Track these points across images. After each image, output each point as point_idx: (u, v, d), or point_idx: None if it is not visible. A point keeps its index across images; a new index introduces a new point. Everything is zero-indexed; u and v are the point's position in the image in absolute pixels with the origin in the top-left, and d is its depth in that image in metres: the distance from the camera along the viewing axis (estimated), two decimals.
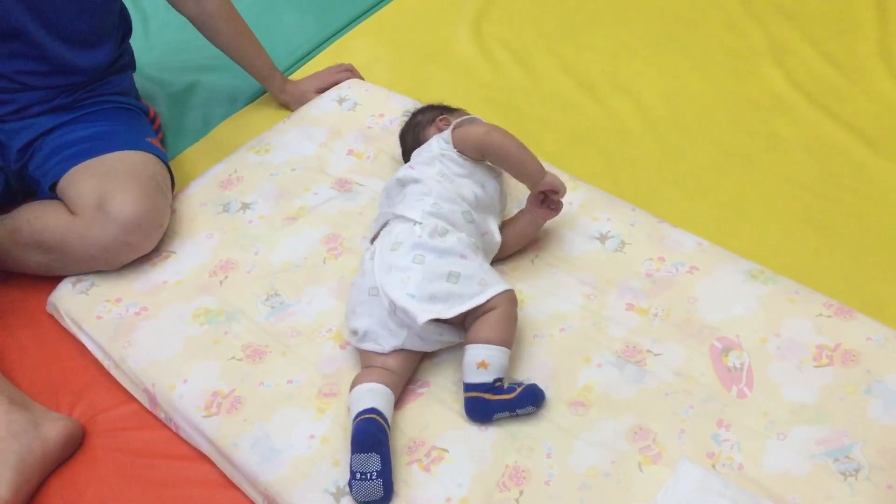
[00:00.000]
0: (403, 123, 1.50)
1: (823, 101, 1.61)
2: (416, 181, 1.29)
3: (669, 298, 1.25)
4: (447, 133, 1.33)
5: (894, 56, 1.67)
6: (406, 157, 1.45)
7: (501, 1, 1.98)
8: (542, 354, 1.21)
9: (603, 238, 1.35)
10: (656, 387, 1.15)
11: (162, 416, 1.24)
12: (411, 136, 1.45)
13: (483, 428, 1.13)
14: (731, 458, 1.07)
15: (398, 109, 1.64)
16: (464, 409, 1.13)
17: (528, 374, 1.18)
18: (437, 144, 1.34)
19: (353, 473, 1.06)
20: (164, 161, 1.48)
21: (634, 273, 1.29)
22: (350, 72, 1.75)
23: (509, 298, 1.16)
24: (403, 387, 1.18)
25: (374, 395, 1.12)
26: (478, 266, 1.19)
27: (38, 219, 1.38)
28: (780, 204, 1.44)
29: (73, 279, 1.40)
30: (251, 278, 1.37)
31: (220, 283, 1.37)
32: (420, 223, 1.21)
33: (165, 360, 1.26)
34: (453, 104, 1.69)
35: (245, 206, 1.49)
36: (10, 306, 1.42)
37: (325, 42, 1.94)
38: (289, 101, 1.73)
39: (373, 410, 1.09)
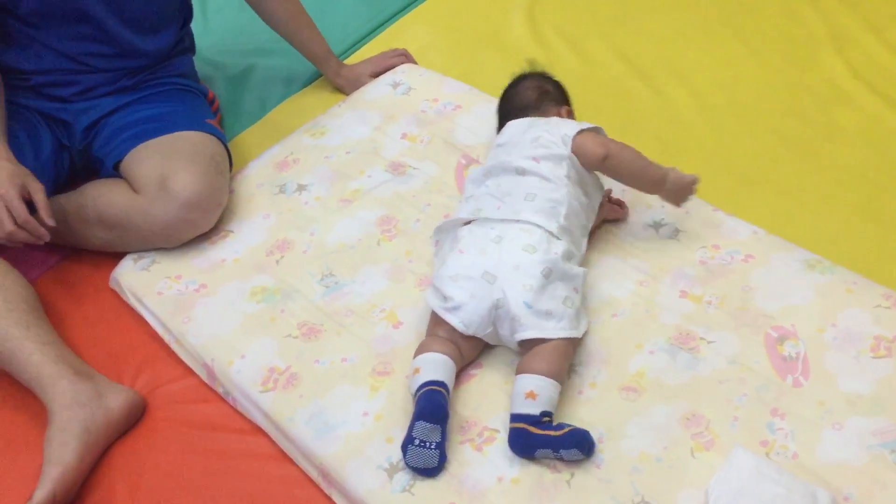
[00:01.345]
0: (521, 78, 1.44)
1: (884, 90, 1.58)
2: (542, 178, 1.24)
3: (724, 286, 1.25)
4: (567, 134, 1.28)
5: None
6: (504, 113, 1.42)
7: None
8: (595, 341, 1.21)
9: (657, 225, 1.35)
10: (709, 374, 1.15)
11: (220, 390, 1.27)
12: (530, 97, 1.40)
13: None
14: (785, 446, 1.06)
15: (452, 94, 1.65)
16: (507, 440, 1.10)
17: (580, 358, 1.19)
18: (560, 138, 1.28)
19: (412, 439, 1.08)
20: (223, 142, 1.51)
21: (688, 260, 1.29)
22: (404, 56, 1.77)
23: (572, 342, 1.16)
24: (462, 368, 1.19)
25: (444, 367, 1.13)
26: (581, 298, 1.20)
27: (101, 196, 1.42)
28: (839, 194, 1.42)
29: (134, 256, 1.44)
30: (307, 258, 1.39)
31: (277, 262, 1.39)
32: (558, 239, 1.20)
33: (224, 336, 1.30)
34: None
35: (301, 188, 1.51)
36: (75, 281, 1.46)
37: (379, 27, 1.95)
38: (343, 85, 1.75)
39: (442, 384, 1.11)
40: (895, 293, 1.19)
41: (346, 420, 1.17)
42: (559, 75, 1.74)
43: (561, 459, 1.08)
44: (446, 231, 1.28)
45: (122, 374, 1.32)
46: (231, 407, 1.26)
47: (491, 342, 1.20)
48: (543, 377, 1.10)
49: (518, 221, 1.20)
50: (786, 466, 1.04)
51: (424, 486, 1.09)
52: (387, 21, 1.96)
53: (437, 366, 1.13)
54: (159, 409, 1.28)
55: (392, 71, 1.73)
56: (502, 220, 1.21)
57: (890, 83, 1.59)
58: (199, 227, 1.40)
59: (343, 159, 1.55)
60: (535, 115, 1.36)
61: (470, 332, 1.17)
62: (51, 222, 1.26)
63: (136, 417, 1.26)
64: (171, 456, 1.22)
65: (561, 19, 1.88)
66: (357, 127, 1.61)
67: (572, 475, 1.08)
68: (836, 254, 1.28)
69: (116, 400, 1.23)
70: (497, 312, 1.16)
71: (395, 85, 1.69)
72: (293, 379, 1.23)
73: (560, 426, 1.08)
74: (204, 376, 1.30)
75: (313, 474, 1.16)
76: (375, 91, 1.69)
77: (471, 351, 1.19)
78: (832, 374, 1.12)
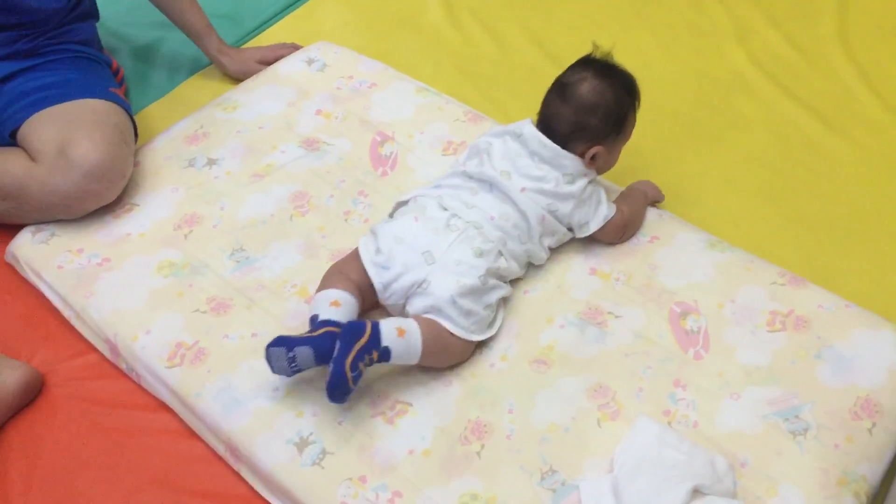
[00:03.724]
0: (581, 79, 1.24)
1: (783, 80, 1.65)
2: (520, 224, 1.23)
3: (631, 264, 1.28)
4: (584, 225, 1.26)
5: (851, 40, 1.72)
6: (546, 103, 1.27)
7: None
8: (508, 315, 1.23)
9: None
10: (616, 347, 1.18)
11: (123, 366, 1.23)
12: (563, 129, 1.24)
13: (447, 383, 1.15)
14: (686, 415, 1.10)
15: (367, 72, 1.64)
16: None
17: (495, 326, 1.20)
18: (574, 223, 1.26)
19: (291, 348, 1.08)
20: (128, 111, 1.46)
21: (599, 242, 1.32)
22: (294, 49, 1.73)
23: (469, 346, 1.17)
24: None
25: (349, 308, 1.14)
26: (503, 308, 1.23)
27: None
28: (739, 178, 1.48)
29: (32, 228, 1.38)
30: (216, 233, 1.36)
31: (185, 236, 1.36)
32: (507, 261, 1.21)
33: (128, 311, 1.25)
34: (423, 71, 1.71)
35: (211, 162, 1.48)
36: None
37: (293, 4, 1.92)
38: (227, 64, 1.69)
39: (337, 324, 1.11)
40: (789, 272, 1.25)
41: (256, 395, 1.15)
42: (474, 58, 1.76)
43: (294, 360, 1.08)
44: (415, 194, 1.27)
45: (19, 351, 1.26)
46: (135, 383, 1.22)
47: (391, 310, 1.21)
48: (419, 337, 1.11)
49: (479, 228, 1.20)
50: (687, 435, 1.08)
51: (334, 459, 1.08)
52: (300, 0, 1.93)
53: (336, 307, 1.14)
54: (58, 385, 1.23)
55: (306, 48, 1.71)
56: (466, 222, 1.21)
57: (787, 73, 1.66)
58: (102, 197, 1.35)
59: (256, 134, 1.52)
60: (558, 145, 1.24)
61: (381, 295, 1.18)
62: None
63: (32, 394, 1.20)
64: (70, 434, 1.17)
65: (477, 4, 1.89)
66: (270, 102, 1.59)
67: (482, 446, 1.09)
68: (736, 235, 1.34)
69: (11, 375, 1.18)
70: (415, 290, 1.16)
71: (310, 61, 1.67)
72: (201, 354, 1.20)
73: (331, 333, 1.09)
74: (106, 352, 1.25)
75: (220, 450, 1.14)
76: (289, 67, 1.67)
77: (368, 303, 1.20)
78: (731, 347, 1.16)
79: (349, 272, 1.20)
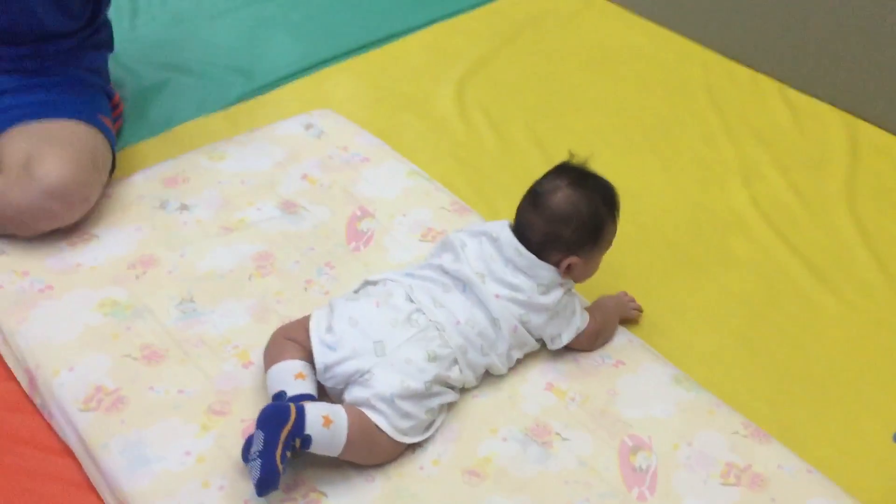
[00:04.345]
0: (555, 189, 1.20)
1: (781, 226, 1.61)
2: (488, 332, 1.17)
3: (590, 386, 1.21)
4: (555, 337, 1.21)
5: (856, 197, 1.68)
6: (521, 210, 1.22)
7: (490, 69, 1.98)
8: (450, 417, 1.15)
9: None
10: (557, 472, 1.10)
11: (38, 401, 1.16)
12: (536, 237, 1.19)
13: (370, 479, 1.07)
14: None
15: (363, 146, 1.62)
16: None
17: (432, 429, 1.13)
18: (547, 336, 1.21)
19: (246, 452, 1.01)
20: (111, 141, 1.43)
21: (562, 355, 1.25)
22: None
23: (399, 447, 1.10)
24: None
25: (313, 380, 1.10)
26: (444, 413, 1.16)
27: None
28: (720, 317, 1.42)
29: None
30: (170, 279, 1.31)
31: (137, 277, 1.30)
32: (461, 370, 1.15)
33: (57, 345, 1.19)
34: (421, 155, 1.68)
35: (184, 208, 1.44)
36: None
37: (308, 69, 1.92)
38: None
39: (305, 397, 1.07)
40: (754, 424, 1.17)
41: (165, 456, 1.07)
42: (475, 152, 1.74)
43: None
44: (386, 277, 1.22)
45: None
46: (45, 421, 1.15)
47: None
48: (345, 429, 1.03)
49: (441, 331, 1.15)
50: None
51: None
52: (316, 66, 1.93)
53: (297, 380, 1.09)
54: None
55: (308, 113, 1.69)
56: (429, 321, 1.15)
57: (787, 221, 1.62)
58: (59, 219, 1.30)
59: (236, 188, 1.49)
60: (532, 254, 1.18)
61: (320, 375, 1.11)
62: None
63: None
64: None
65: (488, 100, 1.89)
66: (259, 159, 1.56)
67: None
68: (706, 375, 1.27)
69: None
70: (357, 378, 1.10)
71: (308, 126, 1.65)
72: (119, 402, 1.13)
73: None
74: (24, 383, 1.18)
75: None
76: (287, 128, 1.65)
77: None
78: (678, 494, 1.08)
79: (302, 341, 1.13)
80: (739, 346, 1.37)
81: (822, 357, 1.36)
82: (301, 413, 1.01)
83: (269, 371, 1.12)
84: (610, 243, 1.25)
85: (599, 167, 1.72)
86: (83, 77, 1.49)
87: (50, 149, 1.29)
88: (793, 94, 1.97)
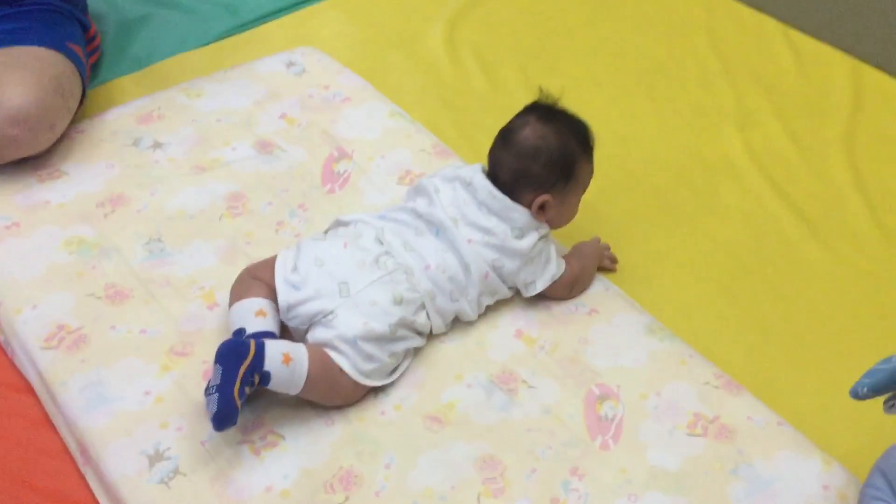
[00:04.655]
0: (524, 124, 1.18)
1: (774, 174, 1.55)
2: (460, 276, 1.14)
3: (561, 334, 1.18)
4: (529, 284, 1.18)
5: (855, 145, 1.62)
6: (492, 150, 1.20)
7: (484, 9, 1.92)
8: (416, 363, 1.14)
9: None
10: (521, 419, 1.08)
11: (1, 338, 1.15)
12: (505, 177, 1.17)
13: (329, 422, 1.06)
14: None
15: (345, 85, 1.58)
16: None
17: (396, 373, 1.11)
18: (520, 281, 1.18)
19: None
20: (80, 69, 1.39)
21: (535, 302, 1.22)
22: None
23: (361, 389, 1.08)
24: None
25: (274, 318, 1.08)
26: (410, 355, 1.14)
27: None
28: (703, 266, 1.38)
29: None
30: (139, 218, 1.29)
31: (105, 215, 1.29)
32: (428, 316, 1.13)
33: (21, 282, 1.18)
34: (406, 96, 1.64)
35: (157, 145, 1.41)
36: None
37: (295, 6, 1.86)
38: None
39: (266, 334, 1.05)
40: (727, 375, 1.15)
41: (124, 395, 1.06)
42: (463, 93, 1.69)
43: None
44: (357, 218, 1.19)
45: None
46: (8, 358, 1.14)
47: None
48: (305, 367, 1.01)
49: (409, 274, 1.12)
50: None
51: (184, 482, 0.99)
52: (304, 2, 1.87)
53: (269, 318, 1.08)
54: None
55: (290, 50, 1.65)
56: (398, 263, 1.12)
57: (780, 168, 1.57)
58: (22, 146, 1.28)
59: (211, 126, 1.46)
60: (505, 196, 1.16)
61: (283, 315, 1.09)
62: None
63: None
64: None
65: (480, 41, 1.83)
66: (237, 97, 1.52)
67: (346, 498, 0.99)
68: (682, 325, 1.24)
69: None
70: (320, 319, 1.08)
71: (290, 64, 1.61)
72: (81, 341, 1.12)
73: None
74: None
75: (73, 447, 1.05)
76: (268, 66, 1.61)
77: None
78: (642, 444, 1.06)
79: (267, 280, 1.12)
80: (720, 297, 1.33)
81: (805, 309, 1.32)
82: (260, 349, 0.99)
83: (231, 309, 1.10)
84: (586, 184, 1.22)
85: (590, 111, 1.66)
86: (57, 6, 1.46)
87: (11, 74, 1.26)
88: (798, 37, 1.89)
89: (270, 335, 1.07)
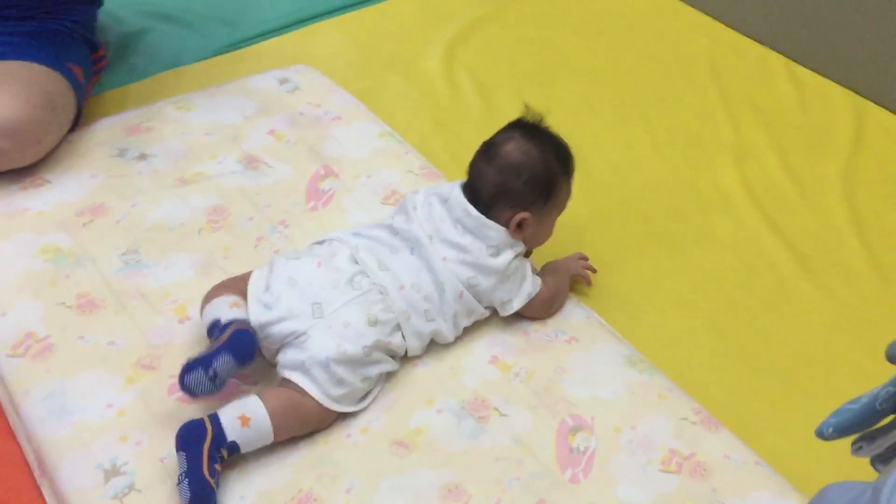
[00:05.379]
0: (507, 139, 1.17)
1: (769, 208, 1.53)
2: (435, 298, 1.12)
3: (538, 361, 1.16)
4: (505, 302, 1.16)
5: (854, 182, 1.59)
6: (472, 165, 1.18)
7: (484, 34, 1.92)
8: (386, 386, 1.11)
9: None
10: (489, 448, 1.05)
11: None
12: (487, 191, 1.15)
13: (294, 444, 1.03)
14: None
15: (337, 104, 1.57)
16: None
17: (367, 400, 1.08)
18: (497, 300, 1.16)
19: (209, 364, 0.98)
20: (76, 90, 1.40)
21: (512, 327, 1.20)
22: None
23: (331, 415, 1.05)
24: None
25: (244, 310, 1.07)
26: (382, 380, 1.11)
27: None
28: (690, 298, 1.35)
29: None
30: (117, 229, 1.28)
31: (84, 225, 1.28)
32: (404, 338, 1.11)
33: None
34: (399, 117, 1.63)
35: (142, 157, 1.40)
36: None
37: (296, 24, 1.87)
38: None
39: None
40: (706, 411, 1.11)
41: (86, 407, 1.04)
42: (458, 117, 1.68)
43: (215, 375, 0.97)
44: (332, 237, 1.17)
45: None
46: None
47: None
48: (266, 418, 0.99)
49: (384, 294, 1.10)
50: None
51: (139, 498, 0.96)
52: (304, 21, 1.87)
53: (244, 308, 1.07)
54: None
55: (285, 68, 1.64)
56: (372, 283, 1.10)
57: (776, 202, 1.54)
58: (9, 158, 1.28)
59: (199, 140, 1.45)
60: (482, 212, 1.14)
61: (256, 334, 1.06)
62: None
63: None
64: None
65: (478, 65, 1.82)
66: (227, 112, 1.52)
67: None
68: (665, 357, 1.21)
69: None
70: (292, 340, 1.05)
71: (283, 81, 1.60)
72: (47, 350, 1.10)
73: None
74: None
75: (31, 458, 1.03)
76: (261, 82, 1.60)
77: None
78: (613, 478, 1.03)
79: (241, 289, 1.10)
80: (706, 330, 1.30)
81: (792, 346, 1.29)
82: (216, 423, 0.97)
83: (204, 310, 1.08)
84: (563, 206, 1.21)
85: (585, 137, 1.66)
86: (66, 26, 1.46)
87: (3, 87, 1.26)
88: (801, 71, 1.88)
89: (243, 322, 1.04)
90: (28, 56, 1.36)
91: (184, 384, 0.98)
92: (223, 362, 0.98)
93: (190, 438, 0.95)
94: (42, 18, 1.43)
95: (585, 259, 1.30)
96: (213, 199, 1.34)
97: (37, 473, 1.02)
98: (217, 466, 0.95)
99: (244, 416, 0.98)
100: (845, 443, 0.96)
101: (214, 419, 0.97)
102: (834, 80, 1.84)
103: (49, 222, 1.27)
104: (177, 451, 0.95)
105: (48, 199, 1.30)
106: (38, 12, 1.42)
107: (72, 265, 1.21)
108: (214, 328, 1.04)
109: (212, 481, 0.94)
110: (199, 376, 0.97)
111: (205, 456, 0.94)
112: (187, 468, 0.93)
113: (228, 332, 1.01)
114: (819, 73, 1.87)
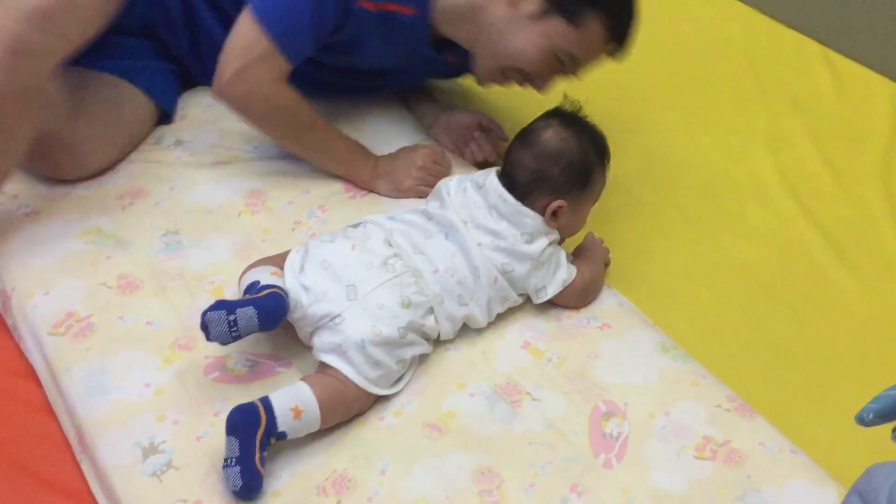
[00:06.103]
0: (546, 126, 1.17)
1: (805, 197, 1.51)
2: (469, 281, 1.12)
3: (570, 347, 1.16)
4: (540, 290, 1.16)
5: (892, 172, 1.57)
6: (511, 151, 1.19)
7: None
8: (419, 369, 1.12)
9: None
10: (522, 432, 1.05)
11: (9, 322, 1.16)
12: (522, 177, 1.16)
13: None
14: None
15: None
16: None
17: (401, 383, 1.09)
18: (530, 286, 1.16)
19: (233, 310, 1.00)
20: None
21: (545, 313, 1.20)
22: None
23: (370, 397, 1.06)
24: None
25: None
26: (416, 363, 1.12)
27: None
28: (724, 287, 1.34)
29: None
30: (157, 211, 1.29)
31: (124, 208, 1.29)
32: (437, 320, 1.11)
33: (35, 267, 1.19)
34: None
35: (179, 143, 1.42)
36: None
37: None
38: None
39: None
40: (740, 398, 1.11)
41: (124, 386, 1.06)
42: (484, 101, 1.67)
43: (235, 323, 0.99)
44: (367, 220, 1.18)
45: None
46: (14, 343, 1.15)
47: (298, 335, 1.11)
48: (318, 410, 0.99)
49: (418, 277, 1.10)
50: None
51: (177, 476, 0.98)
52: None
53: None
54: None
55: None
56: (406, 266, 1.11)
57: (812, 192, 1.53)
58: (62, 173, 1.32)
59: (235, 125, 1.45)
60: (517, 199, 1.15)
61: (290, 315, 1.07)
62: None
63: None
64: None
65: None
66: None
67: (338, 502, 0.97)
68: (699, 346, 1.20)
69: None
70: (326, 322, 1.06)
71: None
72: (88, 329, 1.12)
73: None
74: None
75: (71, 434, 1.05)
76: None
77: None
78: (647, 464, 1.03)
79: (279, 265, 1.11)
80: (740, 318, 1.30)
81: (827, 335, 1.28)
82: (270, 413, 0.97)
83: (243, 278, 1.09)
84: (597, 196, 1.21)
85: (619, 124, 1.65)
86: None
87: (101, 128, 1.33)
88: (839, 59, 1.85)
89: (282, 290, 1.05)
90: (140, 82, 1.40)
91: (204, 319, 0.99)
92: (247, 314, 0.99)
93: (242, 424, 0.95)
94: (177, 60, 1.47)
95: (601, 241, 1.29)
96: (251, 182, 1.35)
97: (77, 450, 1.04)
98: (265, 454, 0.96)
99: (297, 408, 0.98)
100: (880, 432, 0.95)
101: (268, 407, 0.97)
102: (871, 68, 1.82)
103: (91, 205, 1.29)
104: (227, 433, 0.95)
105: (89, 183, 1.32)
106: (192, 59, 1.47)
107: (113, 247, 1.23)
108: (252, 287, 1.05)
109: (262, 469, 0.95)
110: (220, 316, 0.98)
111: (257, 445, 0.95)
112: (239, 455, 0.94)
113: (265, 291, 1.02)
114: (856, 60, 1.84)
